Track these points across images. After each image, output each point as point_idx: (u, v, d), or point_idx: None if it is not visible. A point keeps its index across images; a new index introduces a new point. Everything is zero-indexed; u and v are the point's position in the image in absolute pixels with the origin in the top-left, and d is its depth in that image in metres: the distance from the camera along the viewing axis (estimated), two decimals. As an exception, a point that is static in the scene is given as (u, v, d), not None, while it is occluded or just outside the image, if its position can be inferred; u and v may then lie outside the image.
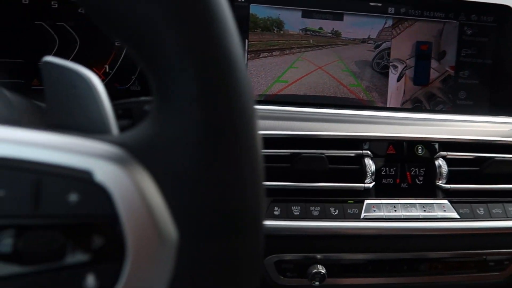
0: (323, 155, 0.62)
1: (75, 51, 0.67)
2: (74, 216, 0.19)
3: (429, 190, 0.66)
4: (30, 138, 0.19)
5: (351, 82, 0.73)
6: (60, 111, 0.26)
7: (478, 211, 0.66)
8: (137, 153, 0.20)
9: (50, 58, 0.26)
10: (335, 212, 0.62)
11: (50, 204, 0.19)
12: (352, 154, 0.65)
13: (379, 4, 0.72)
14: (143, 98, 0.34)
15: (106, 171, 0.19)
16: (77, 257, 0.19)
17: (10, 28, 0.65)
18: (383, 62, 0.74)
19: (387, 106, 0.74)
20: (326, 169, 0.62)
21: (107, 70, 0.68)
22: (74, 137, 0.20)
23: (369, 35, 0.72)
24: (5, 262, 0.18)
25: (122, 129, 0.34)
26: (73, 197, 0.19)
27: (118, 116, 0.33)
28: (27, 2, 0.64)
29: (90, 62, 0.67)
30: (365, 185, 0.64)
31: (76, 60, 0.68)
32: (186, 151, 0.19)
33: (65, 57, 0.67)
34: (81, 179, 0.19)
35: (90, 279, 0.19)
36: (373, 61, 0.73)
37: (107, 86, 0.74)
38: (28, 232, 0.18)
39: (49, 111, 0.27)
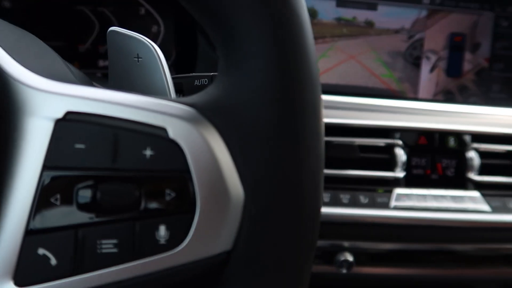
0: (354, 143, 0.63)
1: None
2: (148, 170, 0.20)
3: (460, 182, 0.66)
4: (109, 97, 0.20)
5: (383, 72, 0.73)
6: (122, 78, 0.28)
7: (510, 205, 0.65)
8: (207, 113, 0.21)
9: (115, 28, 0.27)
10: (365, 200, 0.62)
11: (127, 158, 0.20)
12: (383, 144, 0.65)
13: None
14: (193, 74, 0.35)
15: (179, 129, 0.20)
16: (151, 208, 0.20)
17: (52, 12, 0.67)
18: (416, 53, 0.73)
19: (419, 97, 0.74)
20: (357, 158, 0.63)
21: (143, 55, 0.69)
22: (148, 97, 0.21)
23: (403, 26, 0.72)
24: (83, 211, 0.20)
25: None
26: (148, 152, 0.20)
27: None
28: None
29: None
30: (396, 174, 0.64)
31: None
32: (255, 112, 0.20)
33: (104, 41, 0.69)
34: (156, 135, 0.20)
35: (162, 230, 0.20)
36: (406, 51, 0.73)
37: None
38: (105, 184, 0.20)
39: (111, 78, 0.28)
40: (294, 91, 0.20)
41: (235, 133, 0.21)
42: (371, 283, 0.71)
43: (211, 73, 0.35)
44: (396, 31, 0.72)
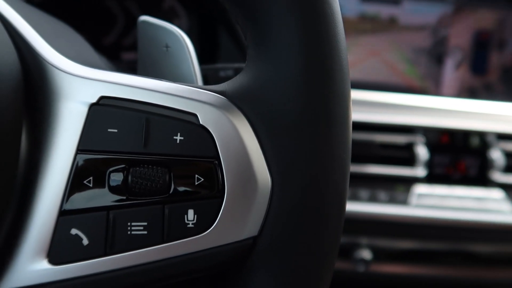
0: (375, 140, 0.62)
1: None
2: (179, 155, 0.20)
3: (483, 181, 0.64)
4: (141, 83, 0.21)
5: (406, 68, 0.72)
6: (151, 66, 0.28)
7: (535, 206, 0.63)
8: (236, 100, 0.21)
9: (146, 17, 0.28)
10: (384, 197, 0.62)
11: (158, 143, 0.20)
12: (404, 141, 0.64)
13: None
14: (218, 64, 0.35)
15: (209, 115, 0.21)
16: (180, 192, 0.20)
17: (76, 4, 0.68)
18: (440, 50, 0.72)
19: (443, 94, 0.73)
20: (377, 155, 0.62)
21: (166, 48, 0.70)
22: (179, 84, 0.21)
23: (428, 22, 0.71)
24: (115, 194, 0.20)
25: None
26: (179, 138, 0.20)
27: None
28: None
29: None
30: (416, 172, 0.63)
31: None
32: (284, 100, 0.20)
33: (128, 34, 0.70)
34: (186, 121, 0.20)
35: (191, 214, 0.20)
36: (430, 48, 0.72)
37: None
38: (136, 168, 0.20)
39: (140, 66, 0.29)
40: (323, 80, 0.20)
41: (264, 120, 0.21)
42: (387, 282, 0.70)
43: (236, 64, 0.35)
44: (421, 28, 0.71)
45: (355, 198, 0.61)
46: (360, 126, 0.63)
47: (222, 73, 0.36)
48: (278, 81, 0.21)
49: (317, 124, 0.21)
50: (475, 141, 0.65)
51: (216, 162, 0.20)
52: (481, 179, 0.65)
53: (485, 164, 0.65)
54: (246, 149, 0.21)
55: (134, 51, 0.76)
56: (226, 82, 0.22)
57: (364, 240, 0.63)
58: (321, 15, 0.20)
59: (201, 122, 0.20)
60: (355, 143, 0.62)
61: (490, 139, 0.65)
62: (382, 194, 0.62)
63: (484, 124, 0.65)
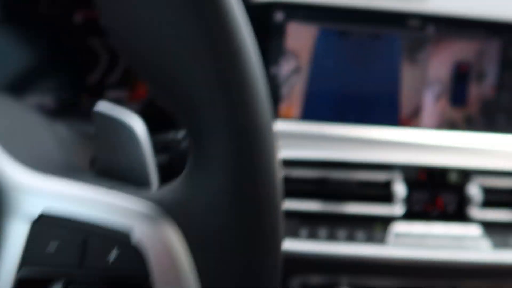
0: (352, 180, 0.63)
1: (121, 69, 0.71)
2: (112, 273, 0.21)
3: (461, 218, 0.65)
4: (82, 194, 0.22)
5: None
6: (107, 158, 0.29)
7: (513, 242, 0.64)
8: (171, 212, 0.22)
9: (101, 108, 0.28)
10: (362, 236, 0.62)
11: (93, 262, 0.21)
12: (382, 179, 0.64)
13: (418, 22, 0.71)
14: (180, 134, 0.36)
15: (142, 231, 0.21)
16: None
17: (59, 46, 0.70)
18: (419, 81, 0.73)
19: (421, 126, 0.73)
20: (356, 193, 0.63)
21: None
22: (115, 194, 0.22)
23: (405, 53, 0.72)
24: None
25: (160, 166, 0.36)
26: (112, 256, 0.21)
27: (157, 151, 0.35)
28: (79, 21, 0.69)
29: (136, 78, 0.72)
30: (394, 210, 0.64)
31: (123, 76, 0.72)
32: (215, 216, 0.21)
33: (110, 73, 0.71)
34: (120, 240, 0.21)
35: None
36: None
37: (151, 103, 0.77)
38: (74, 284, 0.21)
39: (97, 157, 0.30)
40: (252, 197, 0.21)
41: (196, 234, 0.21)
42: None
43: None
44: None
45: (333, 237, 0.62)
46: (337, 164, 0.64)
47: (183, 144, 0.36)
48: (210, 198, 0.21)
49: (246, 240, 0.21)
50: (453, 177, 0.66)
51: (148, 280, 0.21)
52: (460, 215, 0.65)
53: (465, 201, 0.65)
54: (178, 266, 0.21)
55: (119, 89, 0.77)
56: (163, 189, 0.23)
57: (344, 279, 0.64)
58: (252, 134, 0.21)
59: (134, 240, 0.21)
60: (332, 182, 0.63)
61: (468, 174, 0.66)
62: (360, 234, 0.62)
63: (462, 159, 0.66)
